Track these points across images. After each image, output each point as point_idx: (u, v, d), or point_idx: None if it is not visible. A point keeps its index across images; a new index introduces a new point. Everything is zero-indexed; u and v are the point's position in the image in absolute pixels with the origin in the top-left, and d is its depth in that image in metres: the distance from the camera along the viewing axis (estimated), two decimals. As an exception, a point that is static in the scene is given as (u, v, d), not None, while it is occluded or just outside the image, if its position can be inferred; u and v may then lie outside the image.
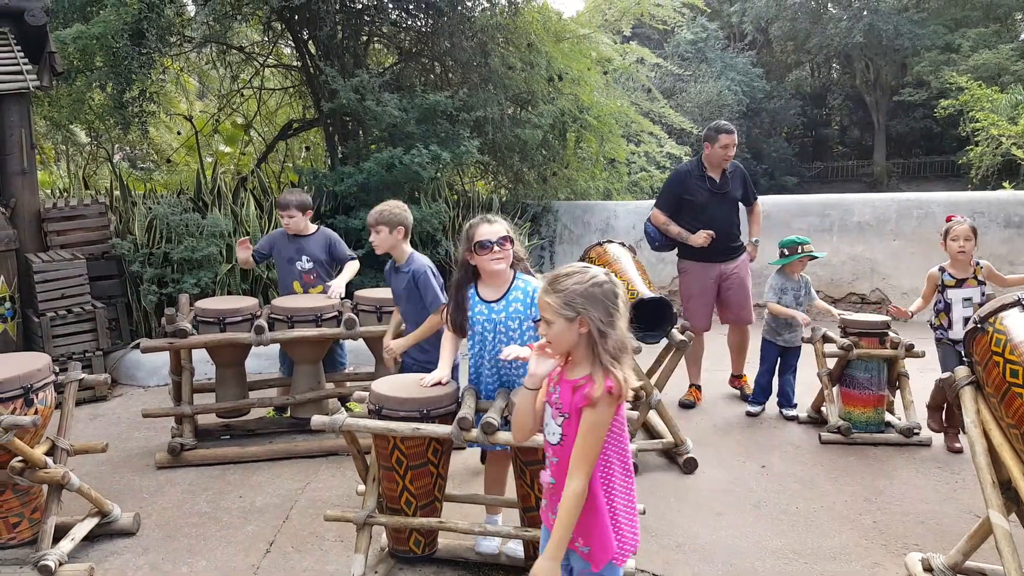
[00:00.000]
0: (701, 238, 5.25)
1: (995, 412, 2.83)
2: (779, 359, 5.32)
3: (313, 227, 5.13)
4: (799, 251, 5.22)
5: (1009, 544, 2.64)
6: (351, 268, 5.05)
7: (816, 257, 5.30)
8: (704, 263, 5.46)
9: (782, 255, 5.30)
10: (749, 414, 5.29)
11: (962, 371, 3.02)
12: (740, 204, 5.63)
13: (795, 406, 5.28)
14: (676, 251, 5.62)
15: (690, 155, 13.12)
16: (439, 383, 3.22)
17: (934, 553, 3.10)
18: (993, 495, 2.73)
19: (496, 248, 3.14)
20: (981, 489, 2.79)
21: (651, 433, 4.77)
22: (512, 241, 3.20)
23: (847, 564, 3.32)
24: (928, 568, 3.05)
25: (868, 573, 3.29)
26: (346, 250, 5.15)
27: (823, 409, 5.04)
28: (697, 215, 5.38)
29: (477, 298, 3.24)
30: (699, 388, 5.63)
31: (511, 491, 3.54)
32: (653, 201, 5.83)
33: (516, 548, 3.36)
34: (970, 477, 4.18)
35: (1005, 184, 15.20)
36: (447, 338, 3.39)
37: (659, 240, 5.57)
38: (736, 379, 5.83)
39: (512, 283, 3.25)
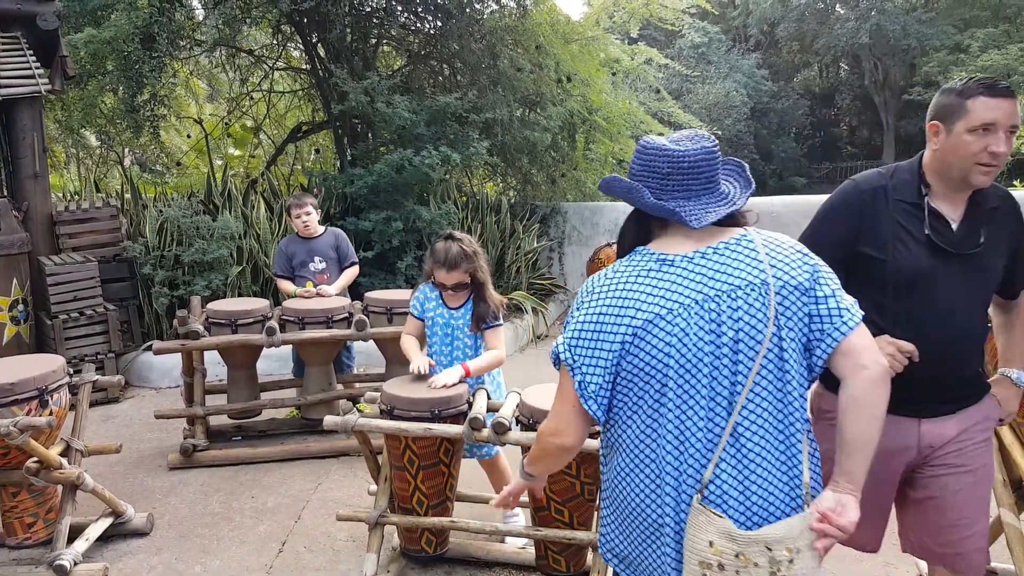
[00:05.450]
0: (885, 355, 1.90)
1: (1006, 411, 2.82)
2: None
3: (321, 228, 5.16)
4: None
5: (1021, 543, 2.62)
6: (349, 274, 5.11)
7: None
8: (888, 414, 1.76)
9: None
10: None
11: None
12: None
13: None
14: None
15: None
16: (424, 373, 3.34)
17: (945, 553, 3.09)
18: (1004, 494, 2.72)
19: (450, 292, 3.43)
20: (992, 488, 2.78)
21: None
22: (467, 283, 3.41)
23: (858, 564, 3.32)
24: (939, 568, 3.04)
25: (880, 572, 3.28)
26: (351, 252, 5.18)
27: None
28: (893, 299, 2.17)
29: (440, 301, 3.49)
30: None
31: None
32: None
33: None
34: (981, 477, 4.17)
35: (1016, 183, 15.15)
36: (407, 338, 3.61)
37: None
38: None
39: (471, 295, 3.48)
